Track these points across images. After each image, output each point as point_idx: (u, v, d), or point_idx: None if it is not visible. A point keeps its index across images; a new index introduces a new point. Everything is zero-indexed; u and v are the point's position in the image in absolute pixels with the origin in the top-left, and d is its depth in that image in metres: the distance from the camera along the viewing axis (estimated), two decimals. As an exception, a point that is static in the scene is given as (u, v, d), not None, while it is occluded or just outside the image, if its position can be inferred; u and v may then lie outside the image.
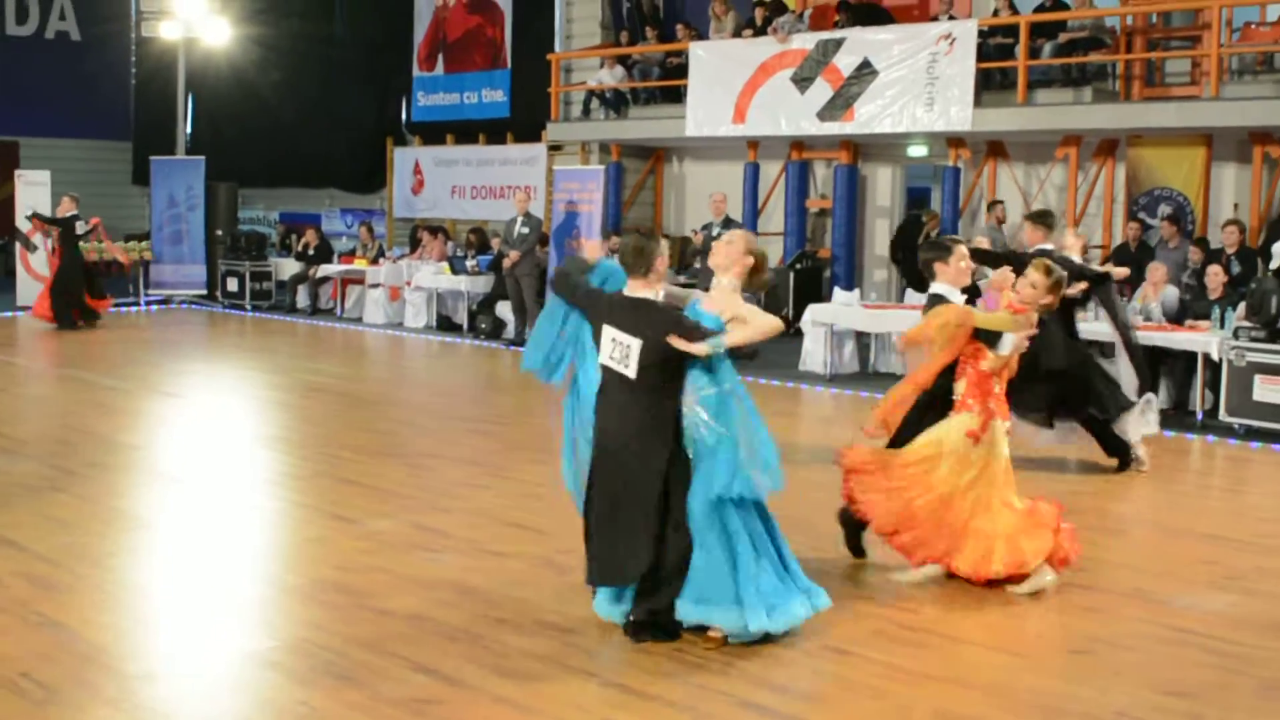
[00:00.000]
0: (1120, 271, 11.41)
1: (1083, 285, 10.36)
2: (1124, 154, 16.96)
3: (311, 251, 22.61)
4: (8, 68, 27.91)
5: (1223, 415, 11.98)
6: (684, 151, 22.12)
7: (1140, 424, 10.18)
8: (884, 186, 20.05)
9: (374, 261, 21.76)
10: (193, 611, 6.57)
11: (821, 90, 18.02)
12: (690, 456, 6.08)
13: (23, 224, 20.69)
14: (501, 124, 23.82)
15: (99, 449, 10.46)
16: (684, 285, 7.15)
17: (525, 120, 23.08)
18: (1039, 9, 17.08)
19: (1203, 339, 12.30)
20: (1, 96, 27.40)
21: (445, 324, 20.37)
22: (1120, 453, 10.14)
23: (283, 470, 10.02)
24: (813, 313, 16.02)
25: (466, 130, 24.39)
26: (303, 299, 22.58)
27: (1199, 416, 12.42)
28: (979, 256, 10.98)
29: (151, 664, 5.84)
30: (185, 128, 25.88)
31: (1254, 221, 15.46)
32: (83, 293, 18.92)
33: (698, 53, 19.45)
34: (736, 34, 19.60)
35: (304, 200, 27.18)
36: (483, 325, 19.43)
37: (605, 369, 6.22)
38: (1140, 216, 16.21)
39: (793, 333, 16.86)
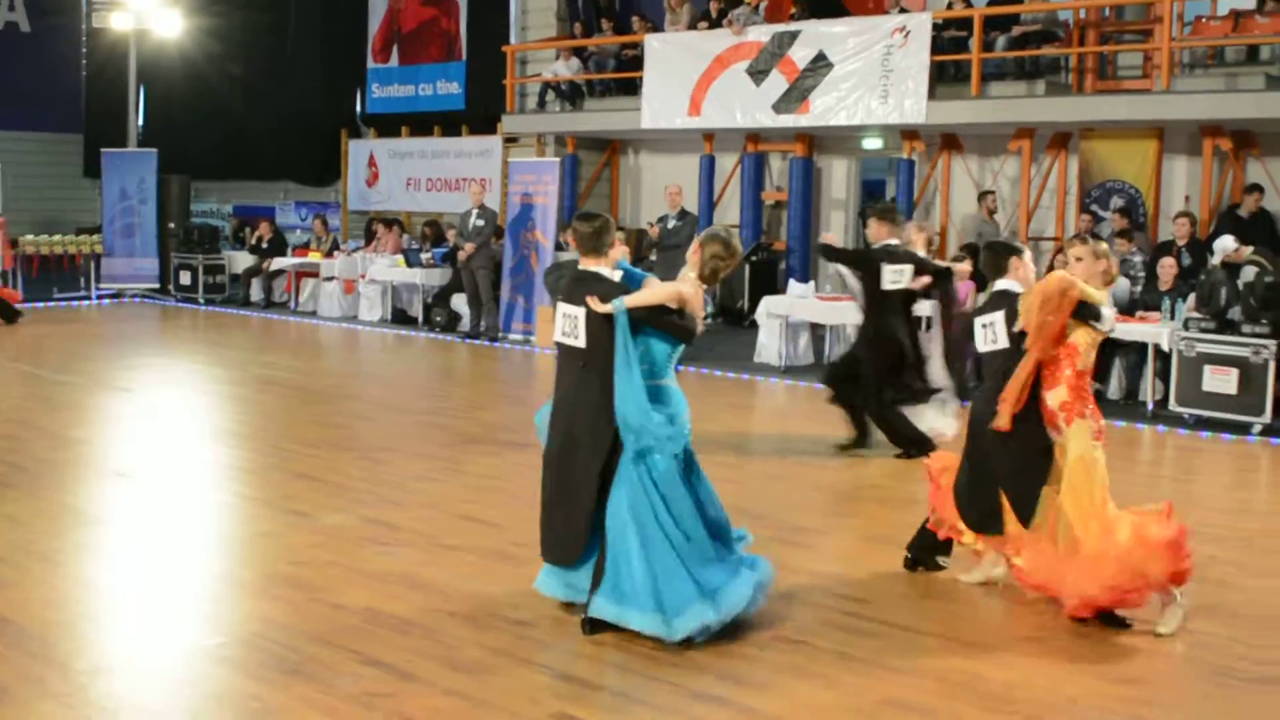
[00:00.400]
0: (962, 268, 11.59)
1: (926, 279, 10.58)
2: (1076, 146, 17.08)
3: (265, 244, 22.46)
4: (-44, 59, 27.65)
5: (1173, 405, 12.13)
6: (640, 144, 22.13)
7: (935, 418, 10.54)
8: (839, 179, 20.12)
9: (328, 254, 21.67)
10: (143, 607, 6.54)
11: (777, 83, 18.08)
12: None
13: None
14: (456, 116, 23.77)
15: (48, 444, 10.37)
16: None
17: (480, 112, 23.05)
18: (993, 2, 17.16)
19: (1153, 330, 12.44)
20: (-50, 88, 27.14)
21: (400, 317, 20.29)
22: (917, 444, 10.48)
23: (235, 464, 9.98)
24: (768, 305, 16.07)
25: (421, 122, 24.33)
26: (256, 292, 22.44)
27: (1149, 406, 12.55)
28: (829, 253, 11.09)
29: (100, 660, 5.80)
30: (137, 120, 25.66)
31: (1204, 214, 15.61)
32: None
33: (653, 45, 19.47)
34: (692, 26, 19.62)
35: (258, 193, 27.02)
36: (438, 318, 19.39)
37: (560, 345, 6.36)
38: (1092, 209, 16.35)
39: (748, 325, 16.92)
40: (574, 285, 6.25)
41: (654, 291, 6.11)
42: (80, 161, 29.25)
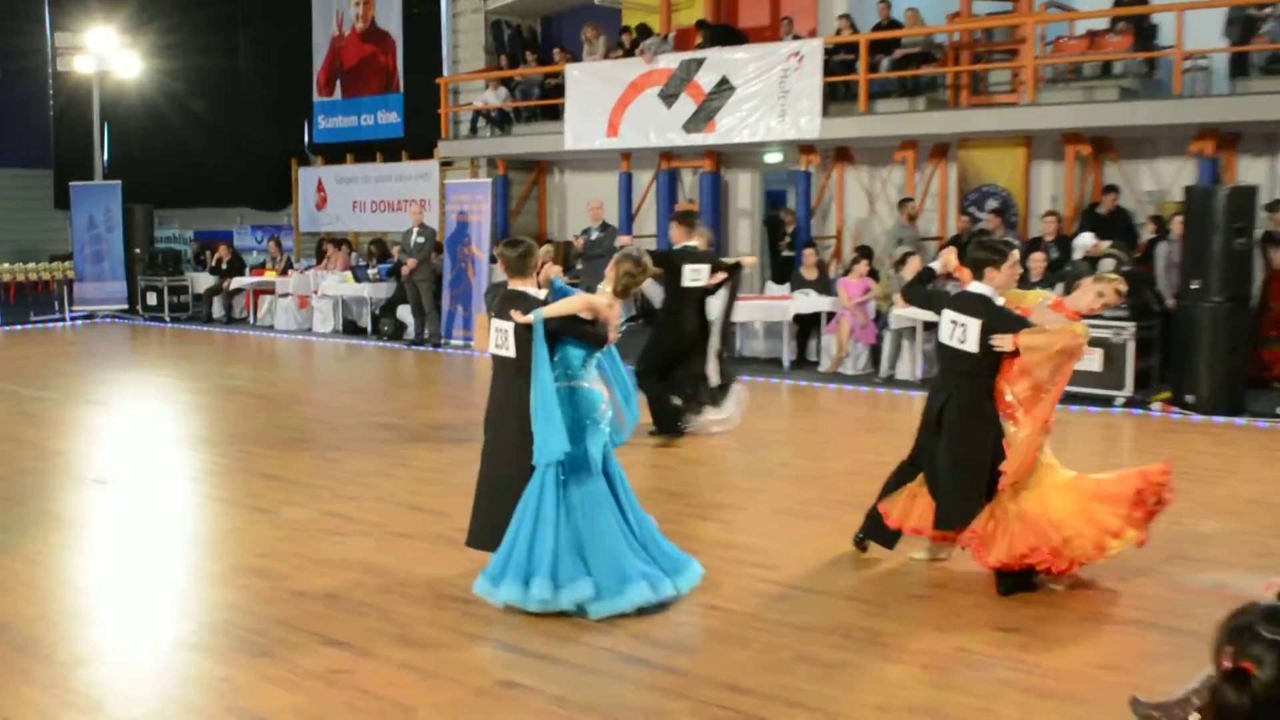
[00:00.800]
0: (749, 260, 11.80)
1: (721, 275, 10.71)
2: (954, 155, 17.25)
3: (225, 265, 22.32)
4: (-69, 103, 27.14)
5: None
6: (564, 164, 22.10)
7: (724, 409, 10.75)
8: (745, 190, 20.20)
9: (283, 273, 21.54)
10: (119, 601, 6.47)
11: (686, 105, 18.13)
12: None
13: None
14: (396, 143, 23.65)
15: (29, 455, 10.23)
16: (569, 284, 7.17)
17: (418, 139, 22.94)
18: (877, 28, 17.31)
19: (1027, 317, 12.60)
20: (-74, 130, 26.63)
21: (351, 328, 20.19)
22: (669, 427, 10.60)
23: (202, 467, 9.90)
24: (684, 306, 16.11)
25: (364, 150, 24.17)
26: (218, 309, 22.24)
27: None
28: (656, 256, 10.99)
29: (80, 650, 5.74)
30: (102, 155, 25.33)
31: (1069, 212, 15.83)
32: None
33: (573, 74, 19.46)
34: (607, 56, 19.63)
35: (216, 219, 26.72)
36: (385, 328, 19.31)
37: (494, 357, 6.55)
38: (970, 211, 16.55)
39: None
40: (503, 303, 6.42)
41: (568, 302, 6.25)
42: (51, 194, 28.70)
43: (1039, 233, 15.06)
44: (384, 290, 19.77)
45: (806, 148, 18.05)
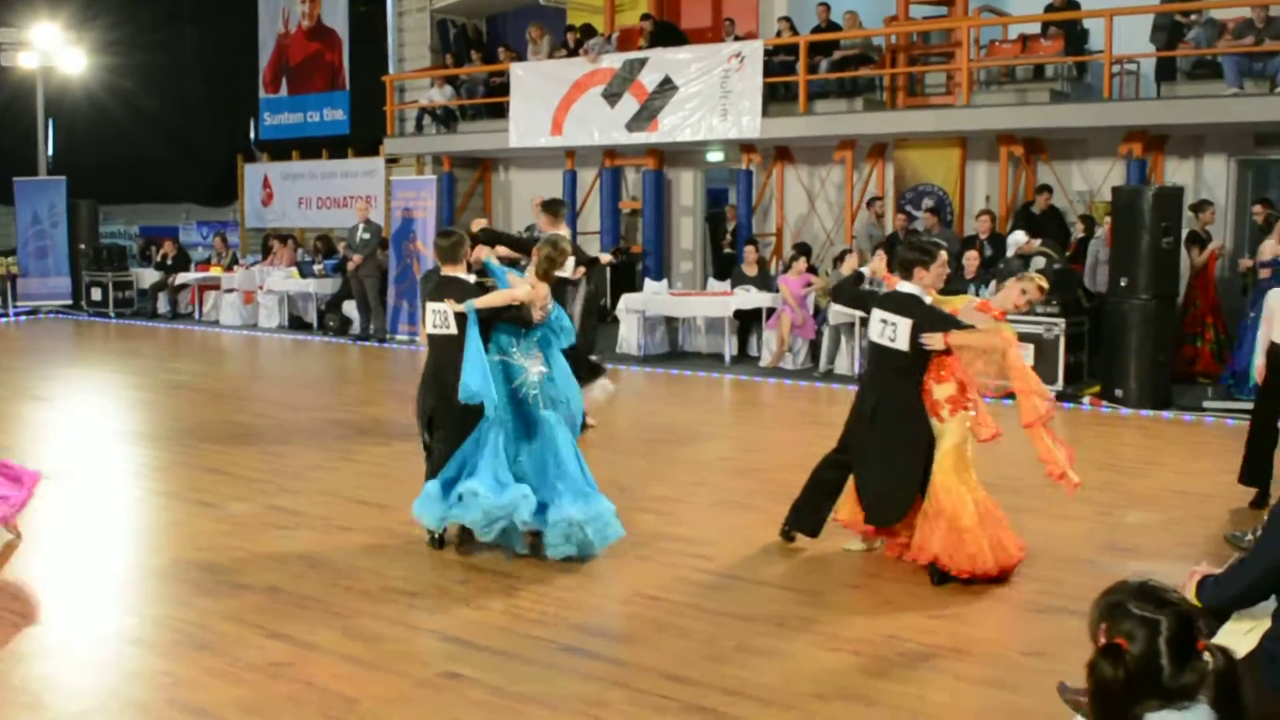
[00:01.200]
0: (606, 258, 11.88)
1: (583, 269, 10.75)
2: (891, 155, 17.36)
3: (170, 261, 22.06)
4: None
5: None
6: (509, 161, 22.03)
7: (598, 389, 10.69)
8: (687, 188, 20.23)
9: (229, 269, 21.33)
10: (63, 596, 6.37)
11: (629, 104, 18.12)
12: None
13: None
14: (342, 140, 23.46)
15: (-30, 450, 10.05)
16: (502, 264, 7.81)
17: (364, 136, 22.78)
18: (816, 30, 17.38)
19: (961, 313, 12.70)
20: None
21: (296, 323, 20.01)
22: None
23: (146, 462, 9.76)
24: (627, 301, 16.16)
25: (310, 146, 23.96)
26: (163, 305, 21.97)
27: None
28: (489, 236, 10.72)
29: (23, 645, 5.64)
30: (46, 150, 24.94)
31: (1002, 210, 15.98)
32: None
33: (518, 73, 19.39)
34: (552, 55, 19.58)
35: (162, 214, 26.36)
36: (331, 323, 19.17)
37: (432, 337, 7.24)
38: (907, 209, 16.64)
39: (610, 320, 16.97)
40: (439, 288, 7.18)
41: (496, 295, 7.01)
42: (-7, 190, 28.29)
43: (974, 231, 15.19)
44: (329, 286, 19.62)
45: (747, 147, 18.10)
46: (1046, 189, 15.49)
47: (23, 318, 21.86)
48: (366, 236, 18.16)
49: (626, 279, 18.66)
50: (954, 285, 13.58)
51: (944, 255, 6.72)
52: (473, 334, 6.87)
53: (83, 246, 22.64)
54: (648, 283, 17.35)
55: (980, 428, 6.72)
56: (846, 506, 6.93)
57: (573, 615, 5.95)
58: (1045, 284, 7.01)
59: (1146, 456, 9.98)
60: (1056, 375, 12.42)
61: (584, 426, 10.35)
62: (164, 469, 9.45)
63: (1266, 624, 3.92)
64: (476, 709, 4.90)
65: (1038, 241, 13.34)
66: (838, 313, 14.11)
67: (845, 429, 6.98)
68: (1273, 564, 3.88)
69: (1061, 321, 12.44)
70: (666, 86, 17.72)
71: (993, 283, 13.05)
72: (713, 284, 17.36)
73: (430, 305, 7.16)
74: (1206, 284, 13.61)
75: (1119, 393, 12.10)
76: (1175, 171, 15.57)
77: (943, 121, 16.08)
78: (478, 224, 10.09)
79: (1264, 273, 11.75)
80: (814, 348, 14.87)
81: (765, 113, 16.96)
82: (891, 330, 6.59)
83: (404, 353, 17.05)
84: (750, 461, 9.73)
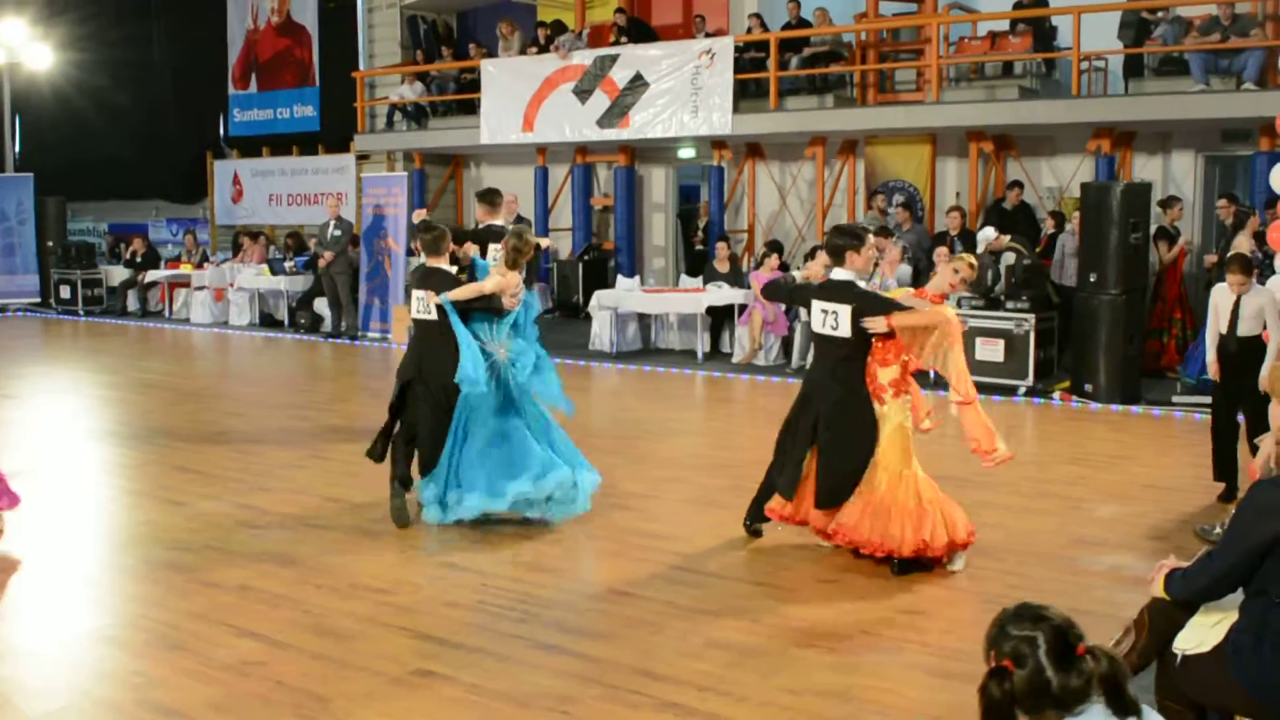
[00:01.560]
0: (545, 241, 11.87)
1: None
2: (862, 151, 17.41)
3: (139, 259, 21.93)
4: None
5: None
6: (480, 158, 21.97)
7: None
8: (659, 185, 20.24)
9: (199, 266, 21.21)
10: (33, 596, 6.32)
11: (600, 101, 18.11)
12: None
13: None
14: (313, 136, 23.35)
15: (-63, 450, 9.96)
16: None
17: (334, 132, 22.68)
18: (786, 27, 17.41)
19: (932, 309, 12.74)
20: None
21: (267, 321, 19.91)
22: None
23: (117, 461, 9.70)
24: (599, 298, 16.13)
25: (280, 143, 23.84)
26: (132, 303, 21.84)
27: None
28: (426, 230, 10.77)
29: (-9, 646, 5.61)
30: (14, 147, 24.75)
31: (972, 206, 16.05)
32: None
33: (489, 69, 19.35)
34: (523, 51, 19.54)
35: (131, 211, 26.18)
36: (302, 320, 19.08)
37: (417, 321, 7.73)
38: (877, 204, 16.69)
39: (582, 316, 16.95)
40: (424, 278, 7.69)
41: (463, 289, 7.50)
42: (-40, 187, 28.03)
43: (944, 227, 15.24)
44: (300, 283, 19.53)
45: (719, 143, 18.12)
46: (1018, 185, 15.55)
47: (-10, 316, 21.69)
48: (338, 233, 18.09)
49: (599, 276, 18.65)
50: (926, 280, 13.67)
51: (872, 238, 6.94)
52: (458, 324, 7.43)
53: (51, 244, 22.51)
54: (620, 279, 17.36)
55: (918, 417, 6.79)
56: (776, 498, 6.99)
57: (546, 612, 5.94)
58: (975, 262, 7.09)
59: (1116, 451, 10.04)
60: (1027, 370, 12.48)
61: None
62: (134, 467, 9.39)
63: (1234, 616, 3.94)
64: (449, 706, 4.89)
65: (1007, 237, 13.39)
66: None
67: (786, 420, 7.05)
68: (1240, 557, 3.91)
69: (1031, 317, 12.49)
70: (637, 83, 17.72)
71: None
72: (685, 280, 17.35)
73: (414, 292, 7.72)
74: (1175, 279, 13.71)
75: (1089, 388, 12.16)
76: (1143, 167, 15.67)
77: (913, 118, 16.13)
78: (419, 215, 10.47)
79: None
80: (786, 344, 14.89)
81: (736, 109, 16.98)
82: (833, 319, 6.67)
83: (375, 350, 16.99)
84: (723, 458, 9.74)
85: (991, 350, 12.41)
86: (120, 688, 5.11)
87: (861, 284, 6.76)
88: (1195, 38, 14.39)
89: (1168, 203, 14.07)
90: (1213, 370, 8.28)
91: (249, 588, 6.34)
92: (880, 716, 4.82)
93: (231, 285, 20.22)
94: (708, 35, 17.78)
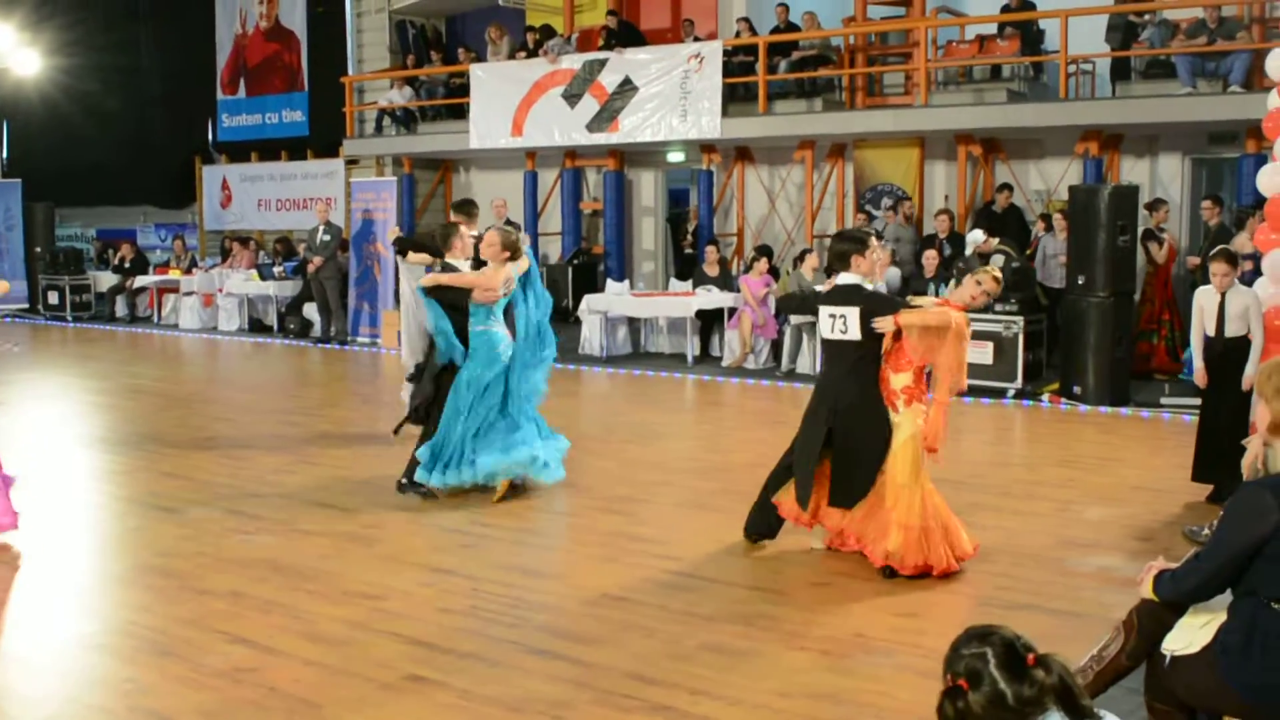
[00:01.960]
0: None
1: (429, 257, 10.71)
2: (851, 155, 17.45)
3: (128, 264, 21.90)
4: None
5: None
6: (470, 162, 21.98)
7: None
8: (648, 189, 20.26)
9: (187, 271, 21.19)
10: (23, 602, 6.30)
11: (589, 105, 18.12)
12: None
13: None
14: (301, 141, 23.36)
15: (-75, 457, 9.90)
16: None
17: (323, 137, 22.68)
18: (775, 31, 17.45)
19: (921, 312, 12.76)
20: None
21: (257, 326, 19.90)
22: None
23: (106, 467, 9.67)
24: (589, 302, 16.15)
25: (269, 148, 23.85)
26: (121, 308, 21.81)
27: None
28: (401, 245, 10.49)
29: (-19, 653, 5.59)
30: (1, 152, 24.69)
31: (961, 210, 16.10)
32: None
33: (478, 74, 19.35)
34: (512, 56, 19.55)
35: (119, 217, 26.15)
36: (291, 325, 19.06)
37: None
38: (866, 208, 16.74)
39: (572, 320, 16.96)
40: (444, 268, 8.56)
41: (450, 277, 8.29)
42: (-54, 193, 27.95)
43: (933, 230, 15.28)
44: (290, 288, 19.51)
45: (708, 147, 18.15)
46: (1007, 188, 15.60)
47: (-22, 322, 21.62)
48: (327, 238, 18.09)
49: (588, 280, 18.66)
50: (915, 283, 13.72)
51: (875, 241, 6.86)
52: (434, 307, 8.38)
53: (39, 250, 22.47)
54: (609, 283, 17.37)
55: (929, 436, 6.68)
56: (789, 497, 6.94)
57: (537, 617, 5.94)
58: (999, 275, 7.07)
59: (1105, 452, 10.07)
60: (1015, 373, 12.51)
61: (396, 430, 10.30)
62: (123, 474, 9.37)
63: (1223, 617, 3.96)
64: (442, 712, 4.89)
65: (996, 240, 13.43)
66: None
67: (800, 430, 6.98)
68: (1228, 558, 3.92)
69: (1020, 319, 12.53)
70: (626, 87, 17.74)
71: (952, 281, 13.13)
72: (674, 284, 17.38)
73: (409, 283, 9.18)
74: (1164, 282, 13.75)
75: (1077, 390, 12.20)
76: (1131, 170, 15.73)
77: (901, 121, 16.16)
78: (392, 233, 11.87)
79: (1246, 265, 11.74)
80: (776, 348, 14.91)
81: (725, 113, 17.00)
82: (842, 323, 6.65)
83: (365, 355, 16.98)
84: (713, 461, 9.75)
85: (980, 352, 12.42)
86: (111, 695, 5.09)
87: (869, 286, 6.75)
88: (1182, 41, 14.45)
89: (1155, 205, 14.12)
90: (1199, 377, 8.28)
91: (240, 594, 6.33)
92: (873, 719, 4.82)
93: (220, 290, 20.21)
94: (696, 39, 17.80)
